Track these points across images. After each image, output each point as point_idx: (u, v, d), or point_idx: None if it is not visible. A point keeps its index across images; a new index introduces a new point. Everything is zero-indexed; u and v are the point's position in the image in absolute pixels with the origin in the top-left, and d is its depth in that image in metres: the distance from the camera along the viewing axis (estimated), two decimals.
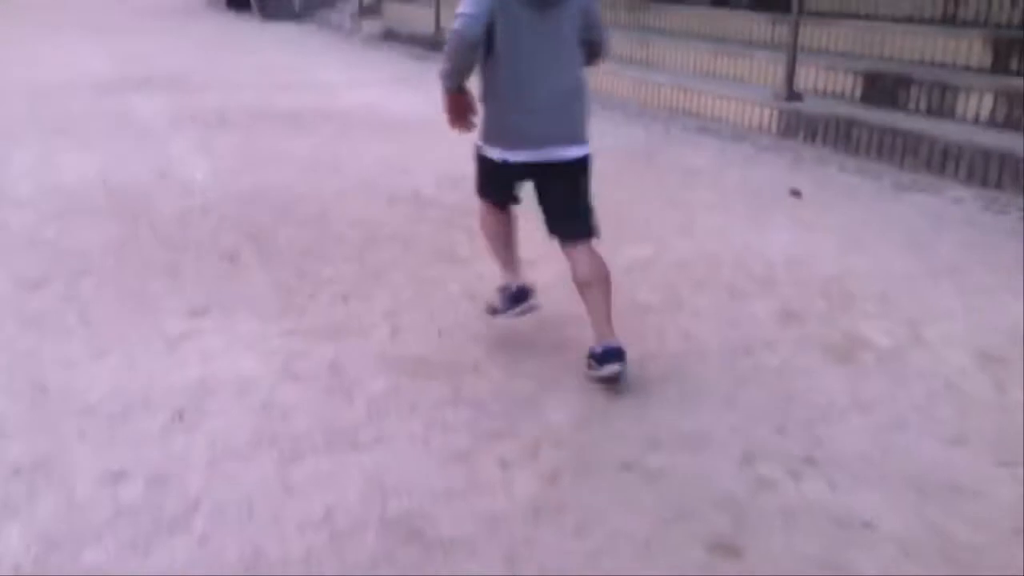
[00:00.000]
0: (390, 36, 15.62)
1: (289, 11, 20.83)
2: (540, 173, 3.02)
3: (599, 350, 3.01)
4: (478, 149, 3.12)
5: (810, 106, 7.43)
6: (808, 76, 7.86)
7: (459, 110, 3.11)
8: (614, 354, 2.97)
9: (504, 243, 3.33)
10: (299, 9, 20.75)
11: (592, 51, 3.10)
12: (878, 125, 6.71)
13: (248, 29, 18.01)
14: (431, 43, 14.06)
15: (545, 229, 3.15)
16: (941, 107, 6.86)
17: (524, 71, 2.90)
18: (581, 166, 3.05)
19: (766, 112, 7.65)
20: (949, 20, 7.97)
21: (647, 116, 8.50)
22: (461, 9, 2.85)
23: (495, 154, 3.04)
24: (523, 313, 3.33)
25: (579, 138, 3.03)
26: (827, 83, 7.83)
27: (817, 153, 6.94)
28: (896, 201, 5.68)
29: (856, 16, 8.76)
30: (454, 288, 3.98)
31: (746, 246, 4.70)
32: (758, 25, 9.59)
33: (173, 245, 4.50)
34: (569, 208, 3.09)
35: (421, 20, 15.86)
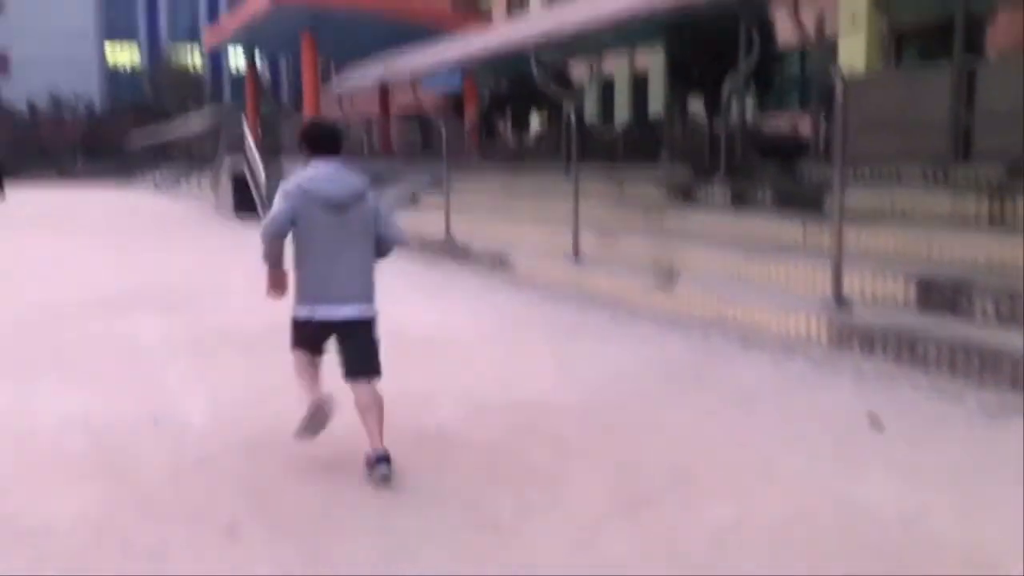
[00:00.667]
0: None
1: None
2: (336, 328, 4.20)
3: (373, 457, 4.02)
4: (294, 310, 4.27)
5: (862, 315, 6.88)
6: (854, 281, 7.36)
7: (276, 282, 4.36)
8: (383, 459, 4.00)
9: (309, 382, 4.39)
10: None
11: (384, 242, 4.34)
12: (946, 337, 6.11)
13: (253, 237, 17.95)
14: (441, 248, 13.84)
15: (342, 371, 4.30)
16: (1012, 314, 6.28)
17: (321, 255, 4.07)
18: (366, 324, 4.23)
19: (814, 321, 7.07)
20: (997, 220, 7.59)
21: (681, 326, 7.93)
22: (272, 208, 3.97)
23: (301, 309, 4.22)
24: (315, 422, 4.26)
25: (367, 301, 4.23)
26: (876, 289, 7.31)
27: (879, 368, 6.29)
28: (993, 429, 4.96)
29: (897, 216, 8.41)
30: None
31: (845, 500, 3.94)
32: (787, 227, 9.25)
33: (162, 514, 3.74)
34: (361, 352, 4.25)
35: (431, 225, 15.79)
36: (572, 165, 14.61)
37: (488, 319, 8.33)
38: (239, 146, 25.38)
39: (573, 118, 10.82)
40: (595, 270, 10.01)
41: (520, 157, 20.21)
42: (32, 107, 71.42)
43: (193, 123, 38.64)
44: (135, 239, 17.37)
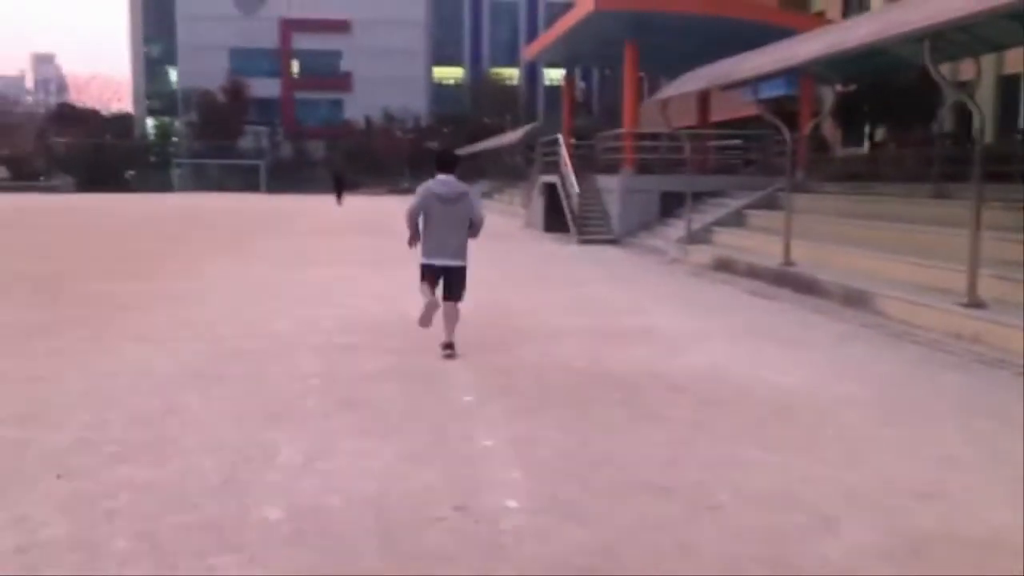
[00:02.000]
0: (723, 267, 13.72)
1: (607, 234, 19.91)
2: (442, 271, 7.09)
3: (444, 343, 7.11)
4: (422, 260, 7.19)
5: None
6: None
7: (413, 240, 7.22)
8: (449, 345, 7.09)
9: (430, 310, 7.14)
10: (617, 233, 19.76)
11: (473, 225, 7.21)
12: None
13: (566, 255, 17.07)
14: (778, 278, 11.91)
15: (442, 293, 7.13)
16: None
17: (436, 228, 7.02)
18: (459, 272, 7.16)
19: None
20: None
21: None
22: (411, 202, 7.13)
23: (424, 260, 7.12)
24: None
25: (462, 260, 7.15)
26: None
27: None
28: None
29: None
30: None
31: None
32: None
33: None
34: (455, 283, 7.17)
35: (761, 249, 13.88)
36: (944, 185, 12.06)
37: (867, 391, 6.40)
38: (552, 162, 24.94)
39: (975, 124, 8.51)
40: (1004, 319, 7.67)
41: (871, 173, 17.57)
42: (368, 122, 78.15)
43: (507, 138, 39.37)
44: None
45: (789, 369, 6.89)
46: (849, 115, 20.31)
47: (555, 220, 23.04)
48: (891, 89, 18.61)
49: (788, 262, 12.06)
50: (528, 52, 27.27)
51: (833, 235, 12.93)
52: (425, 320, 7.18)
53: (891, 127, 21.23)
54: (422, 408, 5.66)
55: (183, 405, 5.63)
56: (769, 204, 16.42)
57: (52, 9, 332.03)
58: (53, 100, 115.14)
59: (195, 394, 5.89)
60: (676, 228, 18.45)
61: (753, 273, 12.66)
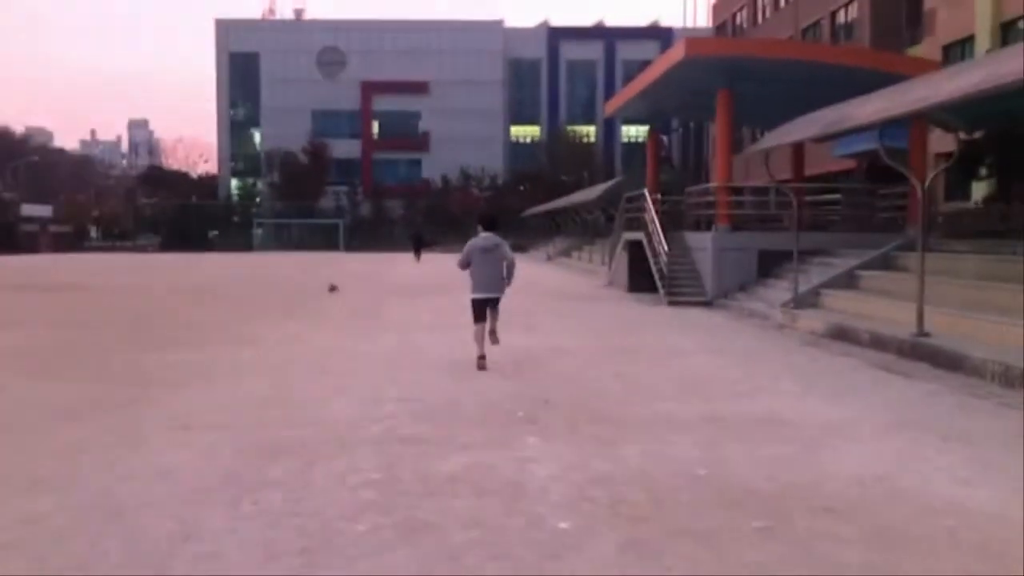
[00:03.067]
0: (840, 335, 12.10)
1: (699, 295, 18.41)
2: (486, 301, 9.69)
3: (479, 356, 9.65)
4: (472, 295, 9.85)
5: None
6: None
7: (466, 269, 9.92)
8: (482, 356, 9.62)
9: (479, 334, 9.62)
10: (711, 294, 18.25)
11: (508, 268, 9.72)
12: None
13: (656, 319, 15.62)
14: (911, 351, 10.27)
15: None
16: None
17: (479, 270, 9.62)
18: (497, 300, 9.79)
19: None
20: None
21: None
22: (462, 253, 9.82)
23: (473, 295, 9.68)
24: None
25: (499, 292, 9.77)
26: None
27: None
28: None
29: None
30: None
31: None
32: None
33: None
34: (494, 306, 9.79)
35: (883, 316, 12.24)
36: None
37: None
38: (637, 218, 23.63)
39: None
40: None
41: (1006, 230, 15.74)
42: (445, 180, 78.32)
43: (586, 194, 38.28)
44: (525, 319, 15.94)
45: (974, 479, 5.35)
46: (968, 166, 18.52)
47: (640, 280, 21.65)
48: (1016, 137, 16.83)
49: (922, 332, 10.42)
50: (609, 107, 26.23)
51: (972, 301, 11.24)
52: (480, 357, 9.59)
53: (1015, 179, 19.31)
54: (503, 539, 4.32)
55: (201, 529, 4.42)
56: (885, 264, 14.76)
57: (147, 76, 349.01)
58: (145, 163, 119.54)
59: (220, 513, 4.68)
60: (777, 290, 16.87)
61: (879, 344, 11.03)
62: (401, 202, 77.85)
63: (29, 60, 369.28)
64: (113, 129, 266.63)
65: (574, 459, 5.77)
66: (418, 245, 49.43)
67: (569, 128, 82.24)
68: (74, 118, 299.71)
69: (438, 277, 27.41)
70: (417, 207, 76.63)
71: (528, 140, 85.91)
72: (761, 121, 26.20)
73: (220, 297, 20.36)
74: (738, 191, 20.19)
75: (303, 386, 8.47)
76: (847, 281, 14.70)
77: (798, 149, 25.17)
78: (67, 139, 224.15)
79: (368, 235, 74.40)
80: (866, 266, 14.74)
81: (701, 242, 19.18)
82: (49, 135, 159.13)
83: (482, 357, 9.51)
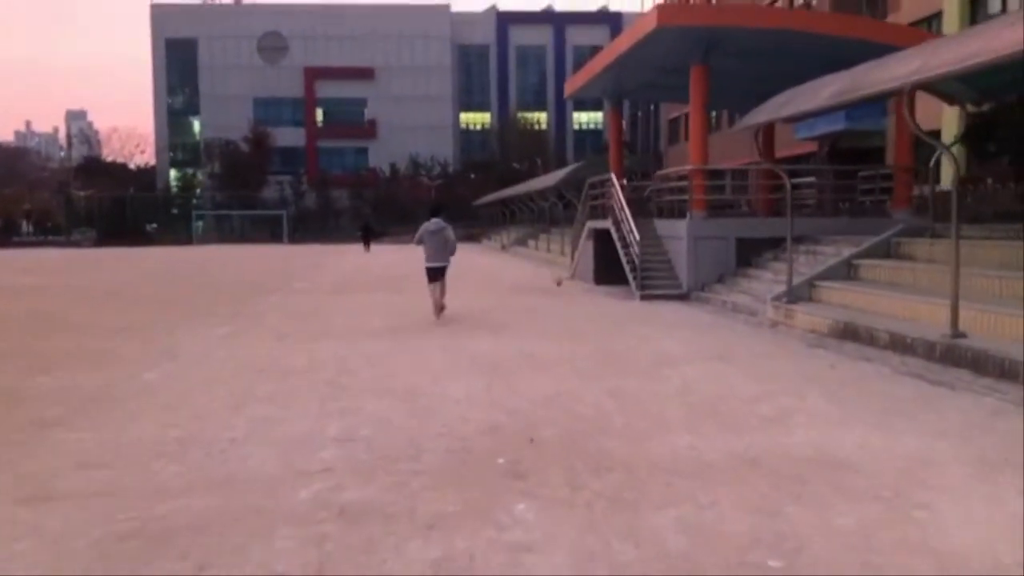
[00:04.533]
0: (850, 335, 10.59)
1: (674, 287, 16.86)
2: (436, 269, 13.22)
3: (439, 313, 13.26)
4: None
5: None
6: None
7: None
8: (442, 308, 13.28)
9: (433, 292, 13.23)
10: (686, 286, 16.70)
11: (451, 245, 13.38)
12: None
13: (632, 316, 14.00)
14: (945, 356, 8.78)
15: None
16: None
17: (429, 247, 13.14)
18: (444, 268, 13.29)
19: None
20: None
21: None
22: (416, 234, 13.47)
23: (426, 265, 13.27)
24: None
25: (445, 262, 13.27)
26: None
27: None
28: None
29: None
30: None
31: None
32: None
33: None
34: (442, 274, 13.27)
35: (899, 311, 10.77)
36: None
37: None
38: (601, 204, 22.02)
39: None
40: None
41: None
42: (394, 168, 75.99)
43: (544, 181, 36.61)
44: (497, 312, 14.21)
45: None
46: (979, 143, 17.16)
47: (607, 271, 20.09)
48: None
49: (957, 332, 8.93)
50: (570, 86, 24.53)
51: (1003, 294, 9.81)
52: (435, 310, 13.20)
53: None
54: None
55: None
56: (886, 252, 13.31)
57: (86, 65, 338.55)
58: (83, 155, 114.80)
59: None
60: (760, 281, 15.39)
61: (902, 346, 9.53)
62: (348, 192, 75.32)
63: None
64: (50, 120, 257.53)
65: (586, 541, 4.07)
66: (367, 236, 48.31)
67: (520, 115, 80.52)
68: (9, 109, 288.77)
69: (389, 269, 25.53)
70: (365, 197, 74.22)
71: (479, 127, 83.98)
72: (736, 102, 24.73)
73: (142, 298, 18.23)
74: (717, 174, 18.67)
75: (217, 421, 6.64)
76: (845, 271, 13.23)
77: (768, 130, 23.80)
78: (1, 131, 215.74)
79: (314, 226, 71.87)
80: (865, 255, 13.28)
81: (674, 230, 17.62)
82: None
83: (438, 309, 13.27)
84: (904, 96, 8.98)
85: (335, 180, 76.12)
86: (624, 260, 17.85)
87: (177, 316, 14.20)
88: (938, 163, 23.72)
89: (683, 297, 16.53)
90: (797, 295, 12.86)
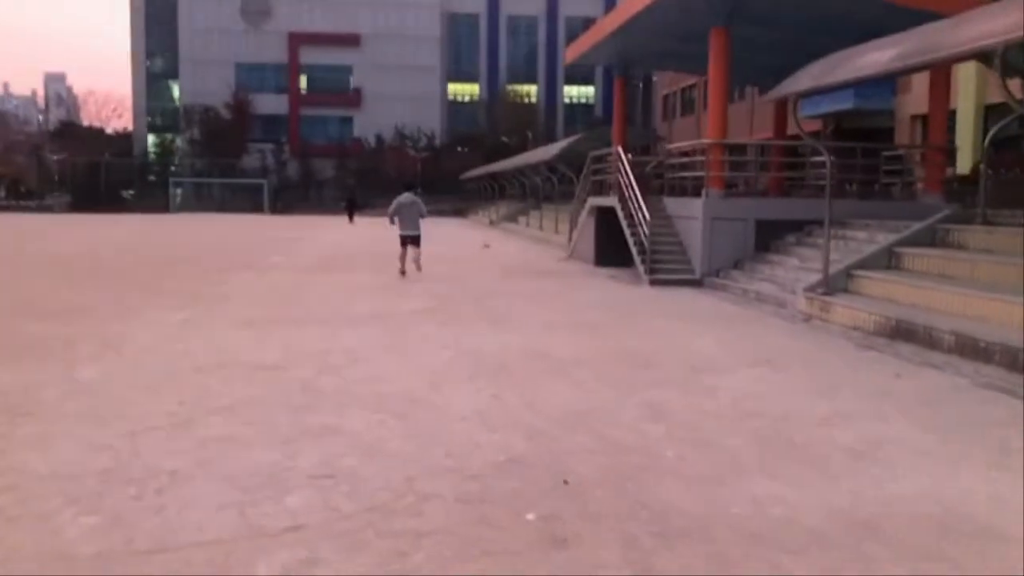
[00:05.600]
0: (905, 335, 9.25)
1: (686, 272, 15.48)
2: (409, 237, 15.72)
3: (408, 268, 15.79)
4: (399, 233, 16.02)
5: None
6: None
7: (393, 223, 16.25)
8: (418, 267, 15.78)
9: (403, 257, 15.72)
10: (700, 272, 15.33)
11: (422, 214, 15.99)
12: None
13: (643, 305, 12.63)
14: None
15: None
16: None
17: (403, 218, 15.75)
18: (418, 237, 15.75)
19: None
20: None
21: None
22: (390, 208, 16.08)
23: (400, 233, 15.78)
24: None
25: (417, 231, 15.72)
26: None
27: None
28: None
29: None
30: None
31: None
32: None
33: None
34: (416, 242, 15.76)
35: (955, 309, 9.42)
36: None
37: None
38: (603, 180, 20.59)
39: None
40: None
41: None
42: (379, 139, 73.98)
43: (538, 154, 35.05)
44: (495, 297, 12.81)
45: None
46: None
47: (609, 253, 18.72)
48: None
49: None
50: (571, 51, 22.95)
51: None
52: (401, 271, 15.68)
53: None
54: None
55: None
56: (932, 240, 11.98)
57: (65, 26, 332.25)
58: (61, 119, 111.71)
59: None
60: (784, 268, 14.04)
61: (973, 352, 8.20)
62: (332, 162, 73.25)
63: None
64: (29, 83, 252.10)
65: None
66: (351, 207, 47.05)
67: (510, 87, 78.59)
68: None
69: (374, 244, 23.98)
70: (349, 168, 72.23)
71: (467, 99, 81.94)
72: (750, 76, 23.25)
73: (99, 272, 16.64)
74: (738, 149, 17.26)
75: (159, 443, 5.19)
76: (885, 260, 11.88)
77: (781, 106, 22.40)
78: None
79: (295, 196, 69.90)
80: (908, 242, 11.93)
81: (687, 209, 16.21)
82: None
83: (403, 272, 15.63)
84: (997, 58, 7.54)
85: (318, 150, 74.04)
86: (631, 241, 16.43)
87: (134, 294, 12.65)
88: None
89: (696, 283, 15.16)
90: (833, 285, 11.50)
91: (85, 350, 8.04)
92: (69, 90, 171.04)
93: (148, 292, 12.88)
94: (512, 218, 41.17)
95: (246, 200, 66.64)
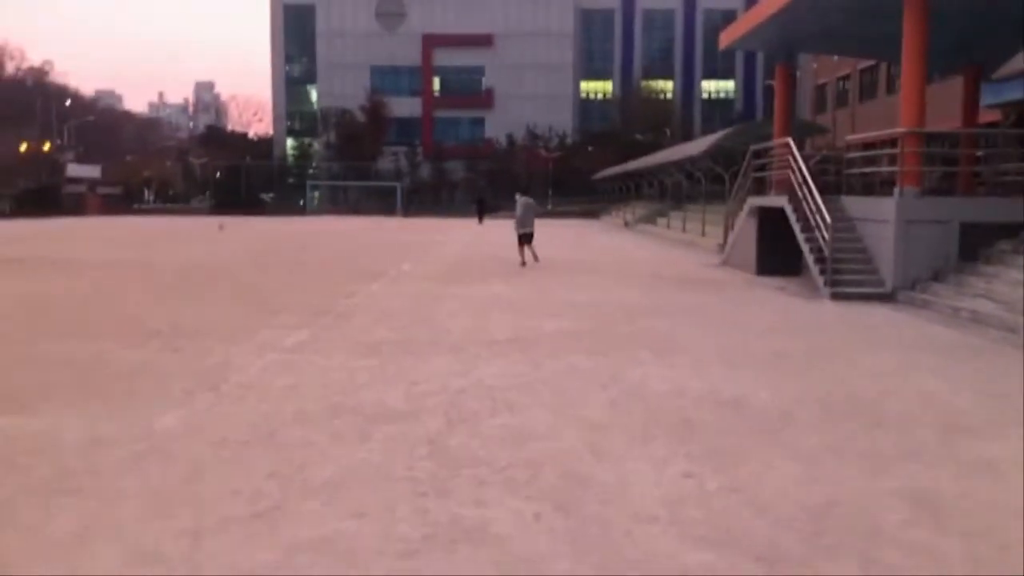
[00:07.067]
0: None
1: (874, 284, 13.17)
2: (525, 235, 18.84)
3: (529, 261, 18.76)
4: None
5: None
6: None
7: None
8: (536, 258, 18.92)
9: (522, 251, 18.64)
10: (891, 284, 12.99)
11: (535, 214, 19.73)
12: None
13: (843, 329, 10.47)
14: None
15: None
16: None
17: (521, 218, 18.98)
18: (532, 234, 18.94)
19: None
20: None
21: None
22: (517, 211, 19.53)
23: (518, 231, 19.02)
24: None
25: (532, 228, 18.93)
26: None
27: None
28: None
29: None
30: None
31: None
32: None
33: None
34: (531, 239, 18.92)
35: None
36: None
37: None
38: (763, 178, 18.36)
39: None
40: None
41: None
42: (511, 140, 72.99)
43: (685, 149, 32.79)
44: (654, 316, 10.98)
45: None
46: None
47: (772, 259, 16.56)
48: None
49: None
50: (727, 36, 20.75)
51: None
52: (522, 262, 17.88)
53: None
54: None
55: None
56: None
57: (215, 38, 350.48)
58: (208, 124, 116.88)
59: None
60: (1003, 282, 11.58)
61: None
62: (463, 163, 72.80)
63: (106, 27, 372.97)
64: (182, 92, 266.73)
65: None
66: (481, 209, 46.47)
67: (644, 84, 76.02)
68: (146, 82, 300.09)
69: (505, 250, 22.47)
70: (480, 169, 71.54)
71: (600, 97, 79.91)
72: (946, 57, 20.29)
73: (218, 281, 15.72)
74: (944, 139, 14.69)
75: (224, 554, 3.66)
76: None
77: (970, 91, 19.52)
78: (137, 102, 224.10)
79: (428, 198, 69.78)
80: None
81: (874, 210, 13.86)
82: (118, 98, 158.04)
83: (523, 264, 18.12)
84: None
85: (450, 151, 73.75)
86: (806, 248, 14.22)
87: (251, 309, 11.45)
88: None
89: (886, 297, 12.85)
90: None
91: (177, 387, 6.70)
92: (216, 97, 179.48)
93: (266, 307, 11.65)
94: (650, 219, 39.02)
95: (380, 202, 66.89)
